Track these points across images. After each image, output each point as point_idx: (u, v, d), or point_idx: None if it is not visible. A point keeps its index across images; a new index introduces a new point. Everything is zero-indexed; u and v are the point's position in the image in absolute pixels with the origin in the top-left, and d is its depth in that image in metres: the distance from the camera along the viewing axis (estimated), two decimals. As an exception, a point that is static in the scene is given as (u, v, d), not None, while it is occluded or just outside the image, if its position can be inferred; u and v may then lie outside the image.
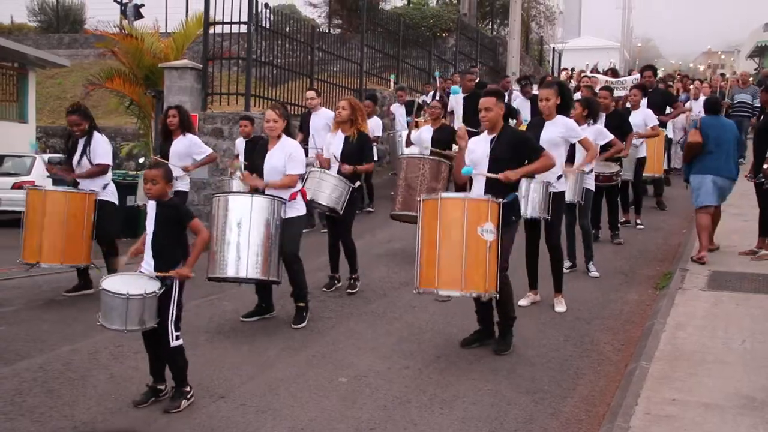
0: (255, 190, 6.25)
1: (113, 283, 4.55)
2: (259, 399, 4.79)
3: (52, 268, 7.40)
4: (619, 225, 9.43)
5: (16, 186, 13.78)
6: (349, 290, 7.24)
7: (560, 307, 6.63)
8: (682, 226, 10.13)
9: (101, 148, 7.33)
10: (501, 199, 5.29)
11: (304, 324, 6.27)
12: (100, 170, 7.32)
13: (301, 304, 6.36)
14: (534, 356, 5.56)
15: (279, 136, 6.31)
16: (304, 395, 4.85)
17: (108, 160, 7.41)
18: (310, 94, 10.38)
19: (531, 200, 6.33)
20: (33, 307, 6.99)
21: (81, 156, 7.29)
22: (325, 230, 7.82)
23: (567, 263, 7.74)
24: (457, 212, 5.18)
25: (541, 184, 6.34)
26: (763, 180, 7.82)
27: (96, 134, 7.39)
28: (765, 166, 7.78)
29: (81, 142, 7.34)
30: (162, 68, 11.60)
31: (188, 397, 4.66)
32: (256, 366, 5.38)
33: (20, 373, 5.19)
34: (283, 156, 6.23)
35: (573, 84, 16.60)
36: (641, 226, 10.00)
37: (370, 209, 11.42)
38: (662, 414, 4.29)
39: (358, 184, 7.20)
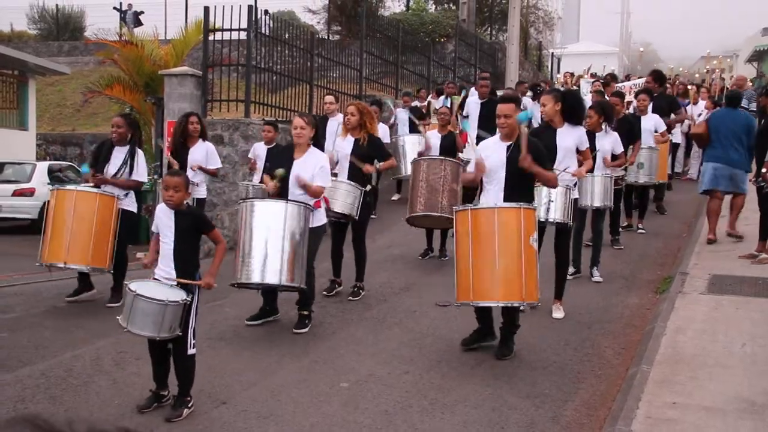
0: (279, 196, 6.17)
1: (147, 290, 4.51)
2: (261, 405, 4.80)
3: (56, 270, 7.37)
4: (620, 229, 9.44)
5: (17, 193, 13.80)
6: (351, 297, 7.23)
7: (558, 313, 6.62)
8: (682, 231, 10.15)
9: (143, 167, 7.28)
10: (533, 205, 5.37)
11: (306, 330, 6.27)
12: (137, 186, 7.31)
13: (305, 312, 6.37)
14: (535, 361, 5.57)
15: (308, 145, 6.30)
16: (306, 401, 4.86)
17: (145, 179, 7.48)
18: (329, 98, 10.34)
19: (555, 204, 6.36)
20: (34, 314, 6.99)
21: (122, 166, 7.09)
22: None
23: (571, 269, 7.77)
24: (514, 222, 5.20)
25: (566, 191, 6.36)
26: (763, 184, 7.86)
27: (140, 150, 7.31)
28: (764, 170, 7.81)
29: (117, 152, 7.16)
30: (162, 75, 11.61)
31: (189, 405, 4.67)
32: (257, 372, 5.39)
33: (22, 379, 5.20)
34: (313, 166, 6.20)
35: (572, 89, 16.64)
36: (642, 231, 10.01)
37: (372, 215, 11.40)
38: (663, 417, 4.30)
39: (369, 187, 7.18)
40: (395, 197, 12.61)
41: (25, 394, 4.93)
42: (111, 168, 7.11)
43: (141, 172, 7.25)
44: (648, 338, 5.73)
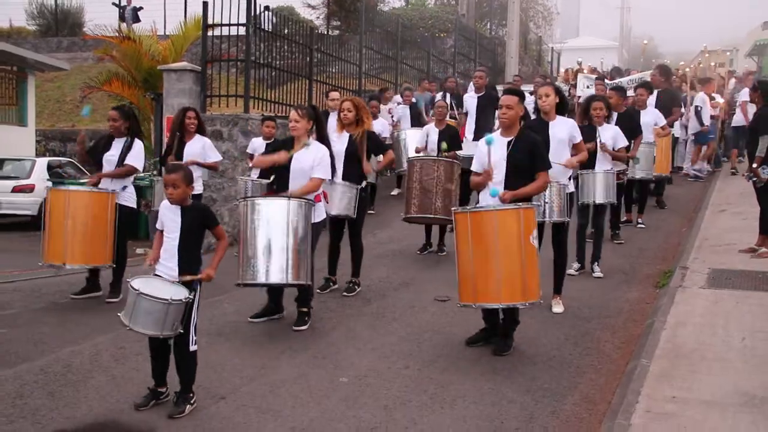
0: (278, 188, 6.18)
1: (149, 287, 4.45)
2: (260, 400, 4.80)
3: (60, 270, 7.39)
4: (620, 224, 9.44)
5: (16, 189, 13.80)
6: (345, 293, 7.21)
7: (558, 307, 6.61)
8: (682, 225, 10.15)
9: (138, 153, 7.26)
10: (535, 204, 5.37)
11: (305, 327, 6.25)
12: (130, 170, 7.24)
13: (305, 309, 6.35)
14: (535, 355, 5.57)
15: (307, 137, 6.24)
16: (305, 396, 4.85)
17: (139, 165, 7.37)
18: (335, 95, 10.29)
19: (551, 205, 6.35)
20: (33, 310, 6.98)
21: (120, 156, 7.16)
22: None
23: (576, 265, 7.77)
24: (514, 223, 5.20)
25: (560, 188, 6.35)
26: (754, 179, 7.85)
27: (137, 140, 7.32)
28: (755, 166, 7.82)
29: (116, 142, 7.24)
30: (161, 71, 11.59)
31: (192, 402, 4.65)
32: (256, 367, 5.38)
33: (21, 375, 5.19)
34: (312, 159, 6.18)
35: (569, 83, 16.66)
36: (642, 225, 10.00)
37: (371, 211, 11.38)
38: (662, 411, 4.30)
39: (365, 183, 7.13)
40: (395, 192, 12.60)
41: (24, 390, 4.93)
42: (109, 156, 7.18)
43: (135, 157, 7.23)
44: (648, 332, 5.73)
